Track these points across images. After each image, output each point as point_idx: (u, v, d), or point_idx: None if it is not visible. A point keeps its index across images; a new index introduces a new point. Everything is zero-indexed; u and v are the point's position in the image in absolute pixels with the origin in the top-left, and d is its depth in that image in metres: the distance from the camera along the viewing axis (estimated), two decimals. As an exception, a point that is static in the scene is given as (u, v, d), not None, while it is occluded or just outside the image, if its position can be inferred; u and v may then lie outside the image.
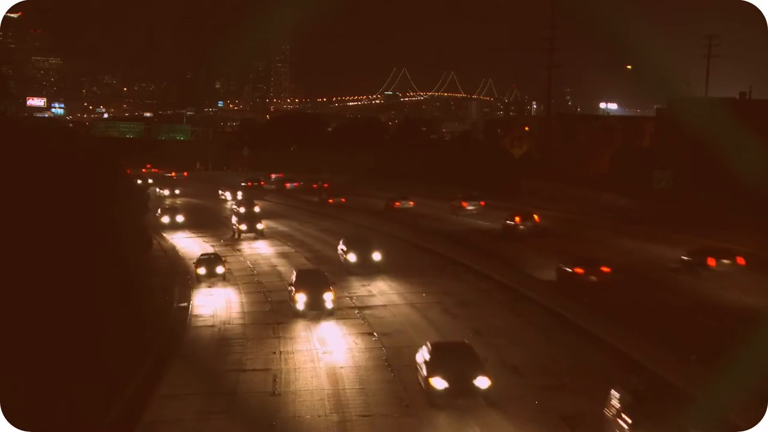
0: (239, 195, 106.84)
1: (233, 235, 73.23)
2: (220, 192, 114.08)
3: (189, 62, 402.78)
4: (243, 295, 50.85)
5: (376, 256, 54.11)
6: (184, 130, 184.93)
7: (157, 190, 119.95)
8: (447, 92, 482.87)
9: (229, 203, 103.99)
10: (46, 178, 38.54)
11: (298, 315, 43.03)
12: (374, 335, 39.70)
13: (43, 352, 30.30)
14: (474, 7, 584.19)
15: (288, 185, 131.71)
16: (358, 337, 39.42)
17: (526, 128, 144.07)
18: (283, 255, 64.23)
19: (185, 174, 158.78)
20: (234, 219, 75.73)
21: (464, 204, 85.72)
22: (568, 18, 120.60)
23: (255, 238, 71.89)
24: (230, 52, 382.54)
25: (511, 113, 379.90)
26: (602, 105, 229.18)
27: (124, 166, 71.32)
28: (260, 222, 73.04)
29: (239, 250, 67.21)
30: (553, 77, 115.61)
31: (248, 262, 62.11)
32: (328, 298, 43.14)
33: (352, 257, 54.10)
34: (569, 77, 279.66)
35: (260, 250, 67.11)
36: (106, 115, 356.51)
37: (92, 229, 40.39)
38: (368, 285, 51.03)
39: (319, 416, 28.98)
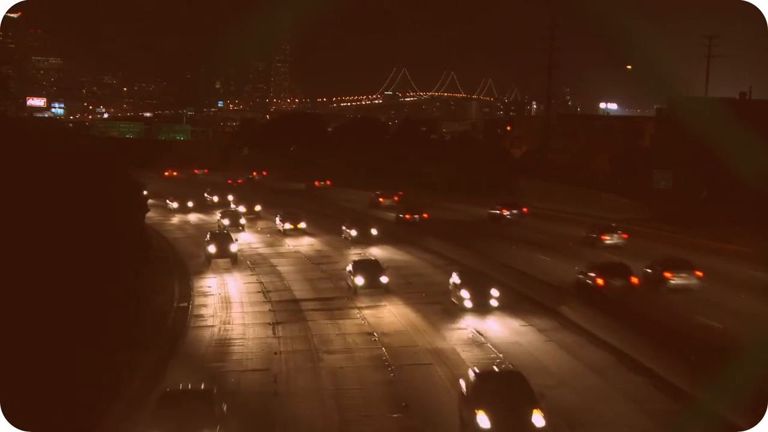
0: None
1: None
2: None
3: (189, 62, 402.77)
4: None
5: None
6: (184, 130, 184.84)
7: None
8: (447, 92, 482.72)
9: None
10: (45, 179, 38.57)
11: None
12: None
13: (42, 353, 30.29)
14: (474, 7, 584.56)
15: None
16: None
17: (526, 128, 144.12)
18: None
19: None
20: None
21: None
22: (568, 18, 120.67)
23: None
24: (230, 52, 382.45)
25: (511, 113, 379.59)
26: (602, 105, 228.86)
27: (135, 167, 71.18)
28: None
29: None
30: (553, 77, 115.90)
31: None
32: None
33: None
34: (569, 77, 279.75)
35: None
36: (106, 115, 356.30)
37: (93, 229, 40.40)
38: None
39: (319, 416, 28.97)
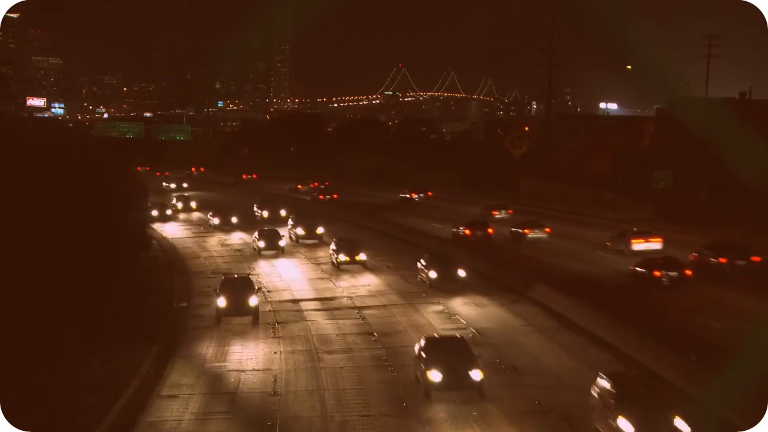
0: None
1: None
2: None
3: (189, 62, 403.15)
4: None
5: None
6: (184, 130, 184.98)
7: None
8: (447, 92, 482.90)
9: None
10: (47, 179, 38.56)
11: None
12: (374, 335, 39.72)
13: (43, 353, 30.32)
14: (474, 7, 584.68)
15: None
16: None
17: (526, 128, 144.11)
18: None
19: None
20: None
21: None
22: (568, 18, 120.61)
23: None
24: (230, 52, 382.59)
25: (511, 113, 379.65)
26: (602, 105, 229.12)
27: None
28: None
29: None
30: (553, 77, 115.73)
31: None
32: None
33: None
34: (569, 77, 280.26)
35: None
36: (106, 115, 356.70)
37: (94, 229, 40.38)
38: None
39: (320, 416, 28.99)
